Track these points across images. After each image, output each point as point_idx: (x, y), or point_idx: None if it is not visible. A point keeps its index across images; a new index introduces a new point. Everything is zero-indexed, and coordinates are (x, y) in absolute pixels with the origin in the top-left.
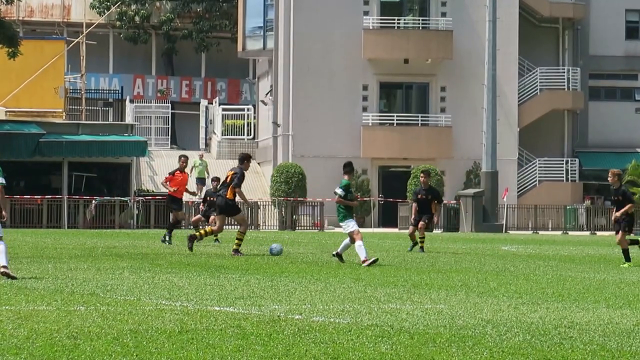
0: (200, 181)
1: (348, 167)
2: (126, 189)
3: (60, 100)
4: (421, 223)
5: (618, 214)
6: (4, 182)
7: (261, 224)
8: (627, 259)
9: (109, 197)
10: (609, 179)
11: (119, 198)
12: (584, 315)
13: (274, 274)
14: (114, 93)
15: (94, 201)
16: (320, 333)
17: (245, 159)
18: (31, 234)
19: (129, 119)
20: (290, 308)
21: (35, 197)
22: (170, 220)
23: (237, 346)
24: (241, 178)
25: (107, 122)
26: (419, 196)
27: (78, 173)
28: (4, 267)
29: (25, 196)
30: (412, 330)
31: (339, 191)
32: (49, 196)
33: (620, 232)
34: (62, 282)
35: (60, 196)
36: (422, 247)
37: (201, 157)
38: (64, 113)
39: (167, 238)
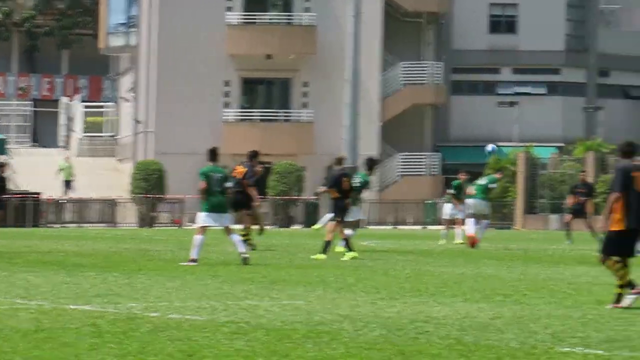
0: (67, 184)
1: (370, 163)
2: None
3: None
4: None
5: None
6: None
7: (119, 221)
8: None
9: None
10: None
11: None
12: (441, 310)
13: (131, 272)
14: None
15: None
16: (176, 330)
17: (254, 156)
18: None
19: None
20: (146, 305)
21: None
22: None
23: (92, 344)
24: (252, 176)
25: None
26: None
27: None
28: None
29: None
30: (268, 327)
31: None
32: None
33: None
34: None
35: None
36: None
37: (66, 159)
38: None
39: None
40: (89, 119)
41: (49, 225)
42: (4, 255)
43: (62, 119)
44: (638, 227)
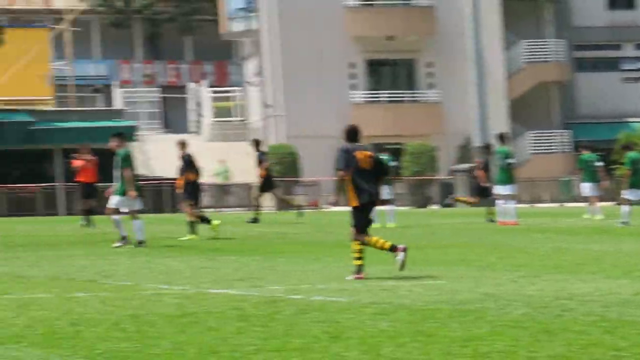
0: (224, 188)
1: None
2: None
3: (48, 88)
4: None
5: None
6: None
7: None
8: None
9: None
10: None
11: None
12: (583, 287)
13: (271, 255)
14: (101, 79)
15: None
16: (320, 312)
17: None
18: (26, 222)
19: (117, 104)
20: (289, 288)
21: (30, 185)
22: None
23: (237, 328)
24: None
25: (96, 108)
26: None
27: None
28: None
29: (19, 185)
30: (412, 307)
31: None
32: (44, 184)
33: None
34: (60, 269)
35: (55, 184)
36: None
37: (221, 162)
38: (53, 100)
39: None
40: (217, 104)
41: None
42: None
43: (191, 105)
44: None
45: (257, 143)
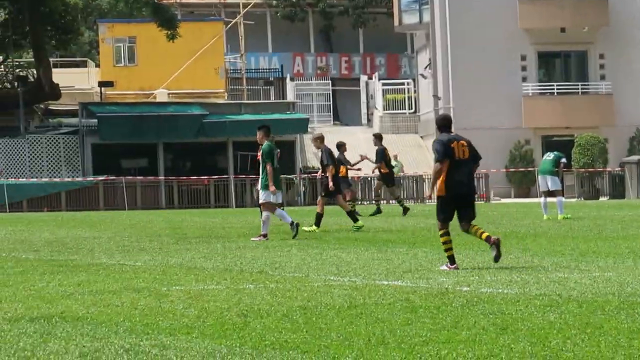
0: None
1: None
2: (292, 166)
3: (221, 81)
4: None
5: None
6: None
7: (425, 197)
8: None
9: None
10: None
11: (285, 176)
12: None
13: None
14: (274, 72)
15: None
16: (488, 304)
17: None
18: (199, 214)
19: (290, 96)
20: (457, 280)
21: (202, 177)
22: None
23: (405, 319)
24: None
25: (269, 101)
26: None
27: (243, 152)
28: None
29: (192, 177)
30: (580, 299)
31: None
32: (216, 176)
33: None
34: (231, 261)
35: (226, 176)
36: None
37: (395, 157)
38: (225, 93)
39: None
40: (389, 96)
41: (357, 202)
42: (315, 233)
43: (362, 97)
44: None
45: (379, 138)
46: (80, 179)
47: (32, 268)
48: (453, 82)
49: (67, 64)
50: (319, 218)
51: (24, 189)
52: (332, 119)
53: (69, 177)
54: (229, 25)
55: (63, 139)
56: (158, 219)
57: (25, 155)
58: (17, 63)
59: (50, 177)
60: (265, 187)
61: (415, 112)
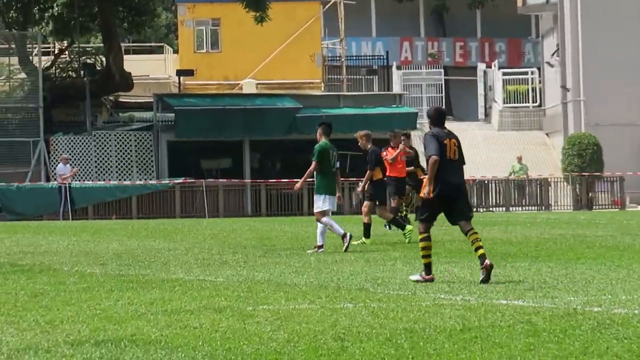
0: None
1: None
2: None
3: (318, 70)
4: None
5: None
6: None
7: (553, 204)
8: None
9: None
10: None
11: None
12: None
13: (568, 261)
14: (378, 59)
15: (360, 183)
16: (622, 327)
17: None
18: (290, 222)
19: (396, 87)
20: (587, 299)
21: (294, 180)
22: None
23: (527, 344)
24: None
25: (372, 93)
26: None
27: (342, 152)
28: None
29: (282, 179)
30: None
31: None
32: (310, 179)
33: None
34: (327, 276)
35: None
36: None
37: (519, 159)
38: (322, 84)
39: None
40: (510, 87)
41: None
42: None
43: (479, 88)
44: None
45: (407, 137)
46: (154, 181)
47: (98, 284)
48: (584, 71)
49: (140, 49)
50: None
51: (89, 193)
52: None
53: (141, 179)
54: (327, 6)
55: (135, 135)
56: (243, 228)
57: (91, 154)
58: (83, 49)
59: (120, 180)
60: (318, 191)
61: (540, 105)
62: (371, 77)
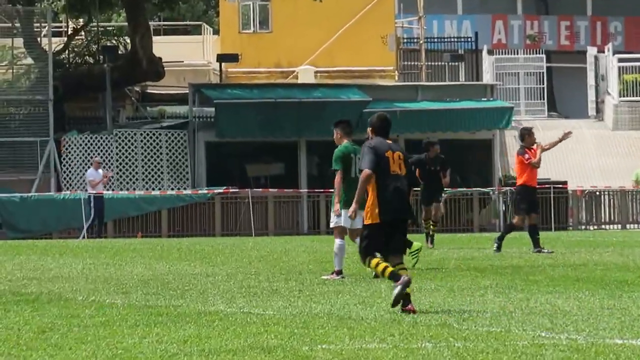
0: None
1: None
2: (487, 176)
3: (391, 55)
4: None
5: None
6: None
7: None
8: None
9: (463, 189)
10: None
11: (478, 189)
12: None
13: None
14: (465, 42)
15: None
16: None
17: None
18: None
19: (487, 77)
20: None
21: None
22: None
23: None
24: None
25: (457, 83)
26: None
27: (418, 155)
28: None
29: None
30: None
31: None
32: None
33: None
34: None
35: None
36: None
37: None
38: (396, 72)
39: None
40: (627, 76)
41: (581, 226)
42: (521, 270)
43: (589, 79)
44: None
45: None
46: (188, 191)
47: (120, 317)
48: None
49: (173, 29)
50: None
51: (109, 205)
52: (546, 108)
53: (173, 188)
54: None
55: (166, 135)
56: (298, 249)
57: (112, 157)
58: (103, 29)
59: (147, 189)
60: (342, 204)
61: None
62: (456, 63)
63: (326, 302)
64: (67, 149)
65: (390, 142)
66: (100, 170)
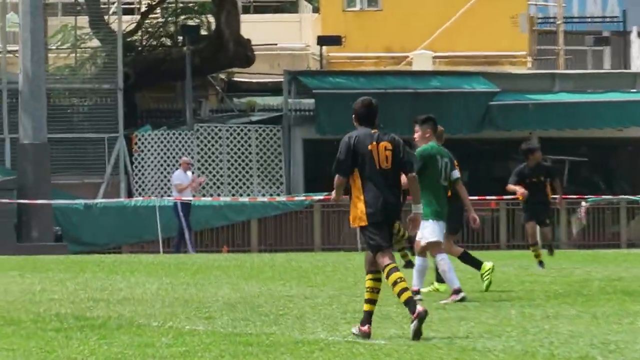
0: None
1: None
2: (637, 181)
3: (523, 37)
4: None
5: None
6: None
7: None
8: None
9: (609, 196)
10: None
11: (626, 197)
12: None
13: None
14: (611, 22)
15: (583, 202)
16: None
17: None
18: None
19: (637, 63)
20: None
21: (487, 198)
22: None
23: None
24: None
25: (602, 71)
26: None
27: (556, 157)
28: None
29: (470, 197)
30: None
31: None
32: (510, 196)
33: None
34: (534, 337)
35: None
36: None
37: None
38: (528, 58)
39: None
40: None
41: None
42: None
43: None
44: None
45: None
46: (282, 198)
47: (202, 347)
48: None
49: (265, 7)
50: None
51: (190, 214)
52: None
53: (264, 195)
54: None
55: (256, 131)
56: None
57: (192, 157)
58: (183, 5)
59: (234, 195)
60: (429, 215)
61: None
62: (600, 47)
63: (446, 329)
64: (139, 147)
65: (375, 131)
66: (189, 173)
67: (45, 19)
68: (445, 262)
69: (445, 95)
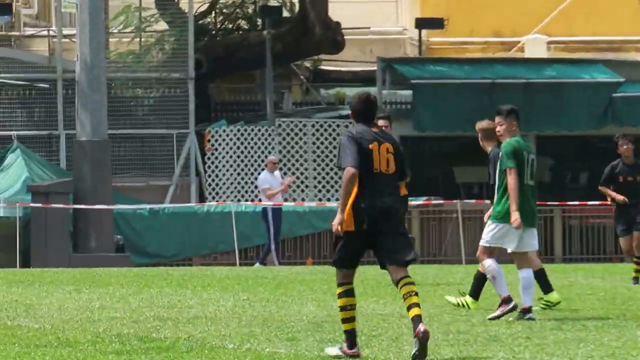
0: None
1: None
2: None
3: None
4: None
5: None
6: None
7: None
8: None
9: None
10: None
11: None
12: None
13: None
14: None
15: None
16: None
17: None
18: (604, 273)
19: None
20: None
21: (609, 203)
22: None
23: None
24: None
25: None
26: None
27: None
28: None
29: (590, 202)
30: None
31: None
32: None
33: None
34: None
35: None
36: None
37: None
38: None
39: None
40: None
41: None
42: None
43: None
44: None
45: None
46: None
47: None
48: None
49: None
50: None
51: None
52: None
53: None
54: None
55: (345, 127)
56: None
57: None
58: None
59: (321, 200)
60: (498, 216)
61: None
62: None
63: (563, 353)
64: (212, 144)
65: (376, 130)
66: (276, 173)
67: None
68: (492, 269)
69: (562, 86)
